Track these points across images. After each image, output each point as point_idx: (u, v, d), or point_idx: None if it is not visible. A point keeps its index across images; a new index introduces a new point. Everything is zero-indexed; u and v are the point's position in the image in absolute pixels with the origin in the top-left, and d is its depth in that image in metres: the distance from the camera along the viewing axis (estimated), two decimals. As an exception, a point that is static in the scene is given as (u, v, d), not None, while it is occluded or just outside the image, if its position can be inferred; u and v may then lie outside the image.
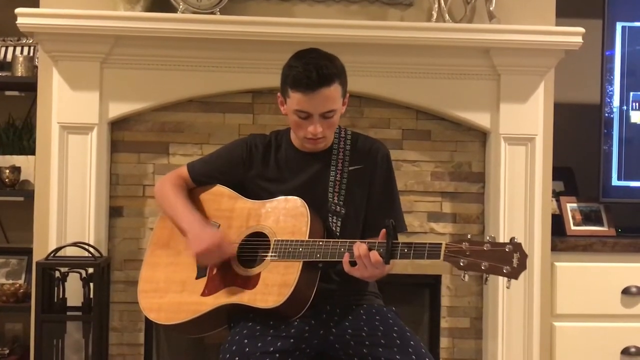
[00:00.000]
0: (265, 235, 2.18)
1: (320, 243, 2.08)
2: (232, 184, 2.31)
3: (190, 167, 2.38)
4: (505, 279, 1.91)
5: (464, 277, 1.92)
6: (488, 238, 1.93)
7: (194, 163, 2.41)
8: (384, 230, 1.99)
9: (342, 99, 2.18)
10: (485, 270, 1.90)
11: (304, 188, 2.22)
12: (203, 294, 2.17)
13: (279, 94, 2.22)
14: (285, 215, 2.17)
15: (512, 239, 1.92)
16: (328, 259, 2.06)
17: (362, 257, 1.98)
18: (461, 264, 1.91)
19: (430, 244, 1.96)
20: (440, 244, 1.95)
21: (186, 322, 2.18)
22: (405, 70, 2.94)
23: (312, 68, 2.07)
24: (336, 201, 2.21)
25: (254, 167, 2.29)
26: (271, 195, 2.23)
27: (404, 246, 1.97)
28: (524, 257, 1.89)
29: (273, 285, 2.08)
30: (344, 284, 2.21)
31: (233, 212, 2.26)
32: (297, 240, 2.10)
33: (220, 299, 2.14)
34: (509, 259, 1.89)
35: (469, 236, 1.95)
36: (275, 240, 2.14)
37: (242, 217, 2.24)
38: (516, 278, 1.90)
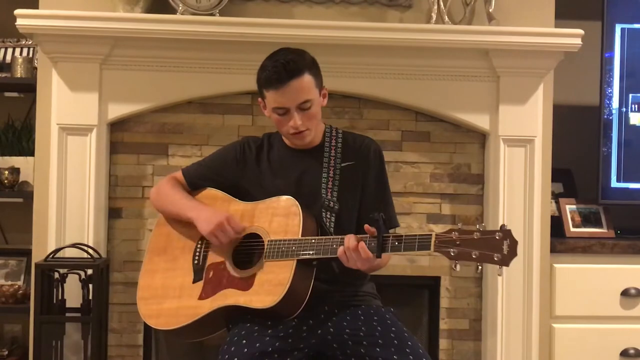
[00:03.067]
0: (259, 236, 2.19)
1: (313, 241, 2.09)
2: (226, 186, 2.34)
3: (185, 171, 2.42)
4: (497, 266, 1.89)
5: (455, 267, 1.91)
6: (478, 226, 1.91)
7: (188, 167, 2.45)
8: (366, 226, 2.00)
9: (318, 90, 2.21)
10: (476, 259, 1.88)
11: (297, 185, 2.25)
12: (200, 298, 2.18)
13: (259, 99, 2.26)
14: (277, 215, 2.19)
15: (502, 226, 1.91)
16: (321, 256, 2.07)
17: (352, 250, 1.99)
18: (452, 253, 1.90)
19: (420, 235, 1.97)
20: (430, 234, 1.95)
21: (185, 327, 2.19)
22: (404, 71, 2.94)
23: (279, 64, 2.14)
24: (329, 197, 2.22)
25: (248, 166, 2.32)
26: (265, 194, 2.25)
27: (394, 239, 1.98)
28: (514, 243, 1.88)
29: (268, 285, 2.09)
30: (342, 285, 2.22)
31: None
32: (290, 240, 2.11)
33: (217, 301, 2.15)
34: (499, 247, 1.87)
35: (459, 225, 1.94)
36: (268, 241, 2.15)
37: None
38: (507, 265, 1.88)
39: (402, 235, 1.99)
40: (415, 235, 1.97)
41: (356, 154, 2.30)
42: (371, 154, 2.31)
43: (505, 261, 1.87)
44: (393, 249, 1.98)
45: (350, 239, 2.02)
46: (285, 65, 2.13)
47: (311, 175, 2.26)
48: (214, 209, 2.24)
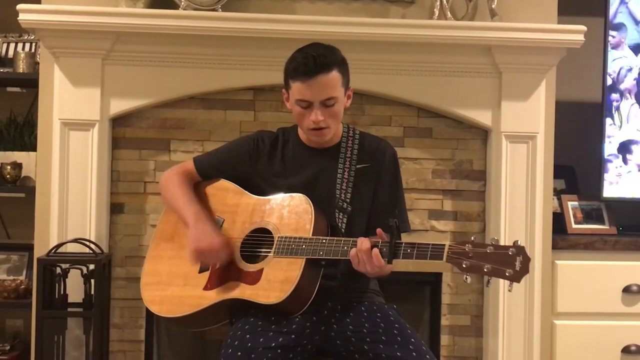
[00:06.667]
0: (269, 231, 2.18)
1: (324, 241, 2.08)
2: (237, 178, 2.32)
3: (197, 160, 2.39)
4: (507, 281, 1.90)
5: (465, 279, 1.92)
6: (491, 240, 1.92)
7: (200, 157, 2.43)
8: (379, 230, 2.00)
9: (344, 89, 2.19)
10: (488, 272, 1.89)
11: (310, 183, 2.23)
12: (205, 288, 2.18)
13: (283, 89, 2.24)
14: (289, 212, 2.18)
15: (515, 242, 1.91)
16: (331, 257, 2.06)
17: (363, 253, 1.99)
18: (464, 265, 1.90)
19: (433, 244, 1.96)
20: (444, 245, 1.94)
21: (187, 316, 2.18)
22: (406, 67, 2.94)
23: (310, 57, 2.12)
24: (343, 198, 2.21)
25: (261, 161, 2.30)
26: (277, 189, 2.24)
27: (407, 246, 1.97)
28: (526, 260, 1.89)
29: (275, 281, 2.08)
30: (345, 282, 2.21)
31: (238, 207, 2.26)
32: (300, 238, 2.10)
33: (222, 293, 2.15)
34: (511, 262, 1.88)
35: (472, 238, 1.95)
36: (278, 237, 2.14)
37: (247, 213, 2.24)
38: (518, 281, 1.89)
39: (415, 243, 1.97)
40: (429, 244, 1.96)
41: (372, 157, 2.28)
42: (387, 157, 2.29)
43: (516, 277, 1.88)
44: (405, 256, 1.97)
45: (364, 242, 2.00)
46: (316, 58, 2.11)
47: (326, 175, 2.24)
48: (213, 230, 2.18)
